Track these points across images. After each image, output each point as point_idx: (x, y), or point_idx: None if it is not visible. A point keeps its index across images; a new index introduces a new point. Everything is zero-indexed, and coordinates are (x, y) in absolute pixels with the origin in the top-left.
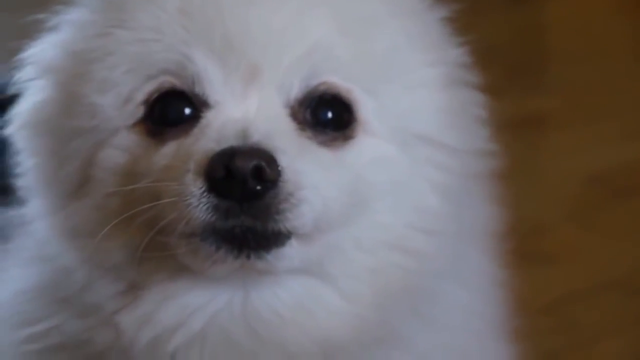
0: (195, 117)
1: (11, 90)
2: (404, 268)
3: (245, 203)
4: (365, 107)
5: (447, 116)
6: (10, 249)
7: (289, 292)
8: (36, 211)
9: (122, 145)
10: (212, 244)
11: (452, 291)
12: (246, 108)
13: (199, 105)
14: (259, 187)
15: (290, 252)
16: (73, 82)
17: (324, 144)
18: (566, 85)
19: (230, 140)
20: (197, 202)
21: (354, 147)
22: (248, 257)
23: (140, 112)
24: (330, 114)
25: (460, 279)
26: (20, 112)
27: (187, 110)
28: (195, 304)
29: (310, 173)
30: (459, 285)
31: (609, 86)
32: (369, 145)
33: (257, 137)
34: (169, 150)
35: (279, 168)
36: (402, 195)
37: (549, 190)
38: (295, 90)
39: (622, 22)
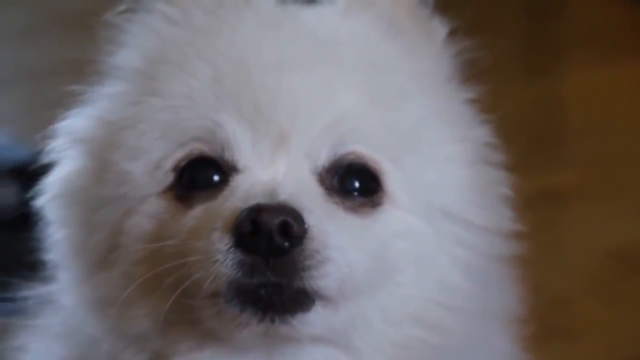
0: (224, 182)
1: (42, 161)
2: (426, 342)
3: (271, 259)
4: (391, 178)
5: (473, 193)
6: (36, 326)
7: None
8: (64, 284)
9: (150, 212)
10: (236, 306)
11: None
12: (274, 172)
13: (228, 170)
14: (286, 244)
15: (315, 318)
16: (104, 150)
17: (351, 209)
18: (586, 159)
19: (258, 199)
20: (223, 258)
21: (381, 216)
22: (272, 320)
23: (169, 178)
24: (357, 183)
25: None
26: (52, 182)
27: (216, 177)
28: None
29: (336, 235)
30: None
31: (629, 161)
32: (395, 216)
33: (285, 196)
34: (196, 212)
35: (306, 226)
36: (425, 269)
37: (568, 265)
38: (323, 157)
39: None
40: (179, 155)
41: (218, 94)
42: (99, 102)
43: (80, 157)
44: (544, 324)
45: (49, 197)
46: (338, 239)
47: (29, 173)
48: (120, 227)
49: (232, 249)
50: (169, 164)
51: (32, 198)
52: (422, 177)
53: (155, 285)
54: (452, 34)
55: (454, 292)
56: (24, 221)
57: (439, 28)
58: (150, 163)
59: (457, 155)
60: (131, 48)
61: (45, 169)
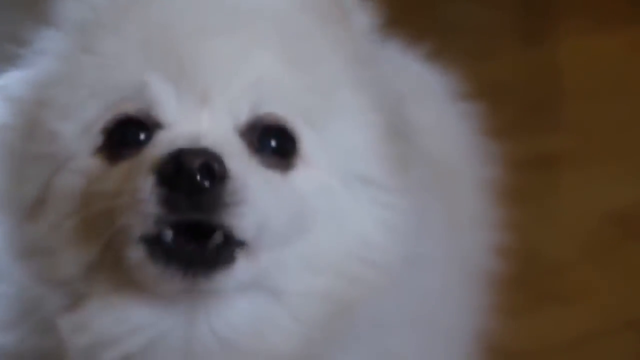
0: (150, 139)
1: None
2: (343, 293)
3: (192, 196)
4: (308, 141)
5: (388, 159)
6: None
7: (239, 315)
8: None
9: (79, 170)
10: (160, 262)
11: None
12: (197, 126)
13: (154, 128)
14: (206, 182)
15: (238, 271)
16: (34, 108)
17: (269, 167)
18: (581, 124)
19: (180, 144)
20: (147, 196)
21: (297, 175)
22: (195, 276)
23: (99, 139)
24: (274, 143)
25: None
26: None
27: (142, 136)
28: (136, 322)
29: (255, 182)
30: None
31: (624, 125)
32: (311, 176)
33: (207, 143)
34: (123, 166)
35: (226, 168)
36: (343, 225)
37: (564, 229)
38: (243, 116)
39: (637, 61)
40: (107, 116)
41: (146, 55)
42: (30, 61)
43: (10, 114)
44: (539, 289)
45: None
46: (257, 185)
47: None
48: (50, 183)
49: (156, 187)
50: (98, 125)
51: None
52: (338, 142)
53: (83, 233)
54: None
55: (373, 247)
56: None
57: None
58: (80, 123)
59: (373, 124)
60: (64, 9)
61: None
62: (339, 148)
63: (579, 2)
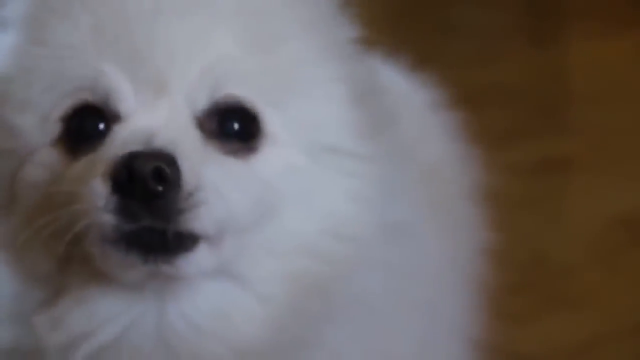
0: (108, 130)
1: None
2: (317, 272)
3: (147, 203)
4: (271, 120)
5: (355, 127)
6: None
7: (206, 300)
8: None
9: (41, 162)
10: (120, 249)
11: (378, 297)
12: (154, 118)
13: (112, 118)
14: (159, 188)
15: (199, 257)
16: None
17: (230, 153)
18: (589, 127)
19: (133, 146)
20: (103, 204)
21: (261, 157)
22: (156, 262)
23: (57, 129)
24: (236, 126)
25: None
26: None
27: (101, 126)
28: (107, 314)
29: (213, 177)
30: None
31: (633, 128)
32: (277, 156)
33: (159, 143)
34: (81, 163)
35: (179, 170)
36: (313, 203)
37: (572, 233)
38: (202, 102)
39: None
40: (65, 104)
41: (100, 43)
42: None
43: None
44: (547, 293)
45: None
46: (214, 181)
47: None
48: (15, 178)
49: (111, 195)
50: (56, 114)
51: None
52: (303, 117)
53: (50, 231)
54: None
55: (343, 221)
56: None
57: None
58: (39, 115)
59: (337, 94)
60: (12, 4)
61: None
62: (304, 123)
63: (587, 5)
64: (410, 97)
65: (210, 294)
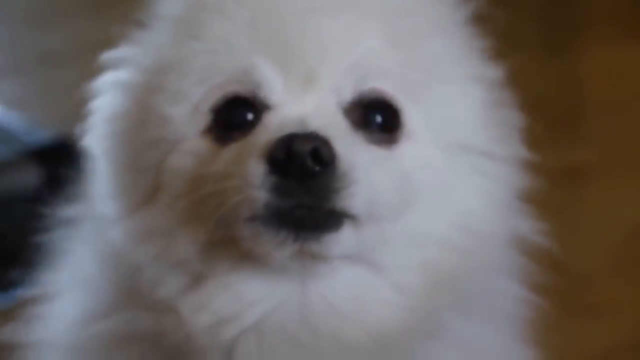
0: (257, 120)
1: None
2: (450, 264)
3: (304, 182)
4: (410, 115)
5: (489, 127)
6: (76, 239)
7: (344, 284)
8: (110, 215)
9: (189, 150)
10: (272, 227)
11: (502, 288)
12: (304, 107)
13: (261, 108)
14: (317, 168)
15: (344, 237)
16: (145, 95)
17: (374, 143)
18: (606, 136)
19: (290, 129)
20: (259, 183)
21: (401, 150)
22: (306, 239)
23: (207, 119)
24: (379, 118)
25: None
26: (97, 123)
27: (250, 116)
28: (252, 296)
29: (362, 160)
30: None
31: None
32: (415, 150)
33: (314, 127)
34: (231, 149)
35: (334, 151)
36: (447, 198)
37: (592, 242)
38: (348, 93)
39: None
40: (215, 96)
41: (253, 37)
42: (140, 50)
43: (122, 102)
44: (567, 301)
45: (94, 137)
46: (364, 163)
47: (50, 156)
48: (163, 166)
49: (267, 174)
50: (207, 105)
51: (54, 180)
52: (440, 114)
53: (196, 213)
54: None
55: (476, 217)
56: (44, 203)
57: None
58: (190, 106)
59: (473, 93)
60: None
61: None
62: (441, 119)
63: (603, 13)
64: None
65: (348, 279)
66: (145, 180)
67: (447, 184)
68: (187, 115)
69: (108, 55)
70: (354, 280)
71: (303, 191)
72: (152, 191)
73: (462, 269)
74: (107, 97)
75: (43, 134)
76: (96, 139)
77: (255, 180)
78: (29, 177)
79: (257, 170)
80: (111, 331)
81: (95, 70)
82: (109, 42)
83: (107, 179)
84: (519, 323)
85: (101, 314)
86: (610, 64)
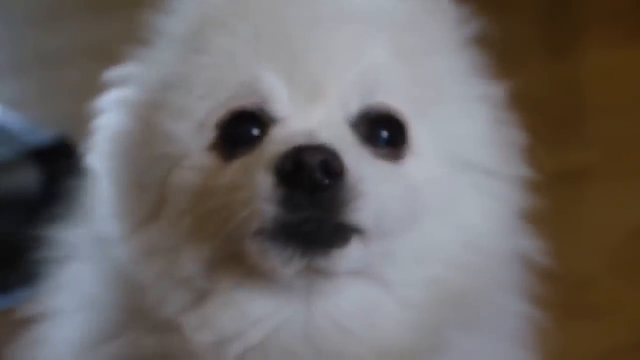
0: (264, 134)
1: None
2: (455, 281)
3: (312, 195)
4: (417, 130)
5: (492, 145)
6: (76, 259)
7: (349, 300)
8: (113, 234)
9: (194, 166)
10: (280, 241)
11: (506, 304)
12: (311, 120)
13: (267, 122)
14: (326, 180)
15: (352, 252)
16: (149, 111)
17: (380, 157)
18: (606, 138)
19: (298, 141)
20: (267, 195)
21: (407, 165)
22: (314, 254)
23: (212, 134)
24: (385, 133)
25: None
26: (100, 142)
27: (256, 131)
28: (257, 314)
29: (370, 174)
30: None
31: None
32: (421, 166)
33: (322, 139)
34: (239, 163)
35: (343, 163)
36: (452, 214)
37: (591, 243)
38: (355, 106)
39: None
40: (221, 111)
41: (257, 50)
42: (143, 68)
43: (126, 121)
44: (567, 303)
45: (97, 156)
46: (372, 176)
47: (50, 156)
48: (167, 182)
49: (276, 187)
50: (212, 120)
51: (54, 181)
52: (445, 131)
53: (201, 230)
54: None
55: (480, 235)
56: (45, 204)
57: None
58: (195, 121)
59: (477, 112)
60: (173, 12)
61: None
62: (446, 136)
63: (603, 15)
64: None
65: (354, 295)
66: (149, 197)
67: (452, 201)
68: (192, 130)
69: (111, 74)
70: (359, 296)
71: (311, 204)
72: (156, 208)
73: (467, 286)
74: (110, 115)
75: (43, 134)
76: (99, 158)
77: (263, 192)
78: (29, 177)
79: (265, 182)
80: (116, 354)
81: (95, 71)
82: (108, 43)
83: (110, 198)
84: (522, 336)
85: (105, 336)
86: (611, 66)
